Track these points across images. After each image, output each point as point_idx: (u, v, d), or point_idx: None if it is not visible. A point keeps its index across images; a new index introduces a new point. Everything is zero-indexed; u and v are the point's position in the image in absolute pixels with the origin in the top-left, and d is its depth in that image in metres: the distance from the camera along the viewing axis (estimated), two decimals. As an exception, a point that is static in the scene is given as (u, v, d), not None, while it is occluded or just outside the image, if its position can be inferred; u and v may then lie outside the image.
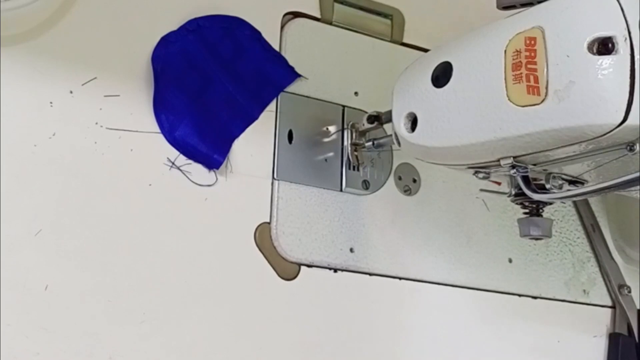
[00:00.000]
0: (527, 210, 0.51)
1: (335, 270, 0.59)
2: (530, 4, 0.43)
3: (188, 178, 0.55)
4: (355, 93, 0.65)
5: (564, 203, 0.73)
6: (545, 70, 0.40)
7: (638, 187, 0.45)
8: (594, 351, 0.70)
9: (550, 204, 0.53)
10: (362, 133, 0.62)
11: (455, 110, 0.45)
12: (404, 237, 0.63)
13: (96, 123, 0.53)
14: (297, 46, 0.63)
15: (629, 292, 0.71)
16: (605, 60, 0.38)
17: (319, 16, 0.65)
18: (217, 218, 0.56)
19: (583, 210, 0.73)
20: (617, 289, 0.71)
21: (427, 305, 0.63)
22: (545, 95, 0.40)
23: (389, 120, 0.53)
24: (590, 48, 0.39)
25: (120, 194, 0.53)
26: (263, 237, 0.57)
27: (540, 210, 0.50)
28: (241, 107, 0.59)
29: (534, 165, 0.45)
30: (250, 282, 0.55)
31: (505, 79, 0.42)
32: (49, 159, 0.51)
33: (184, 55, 0.58)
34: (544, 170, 0.47)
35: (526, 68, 0.41)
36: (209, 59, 0.59)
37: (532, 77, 0.41)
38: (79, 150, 0.52)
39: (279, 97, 0.61)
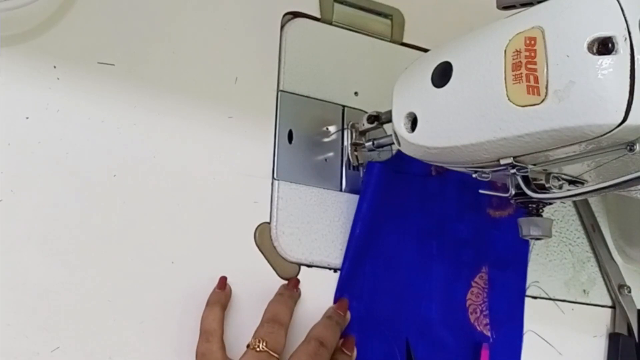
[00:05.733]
0: (527, 210, 0.51)
1: (335, 270, 0.59)
2: (530, 4, 0.43)
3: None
4: (355, 93, 0.65)
5: (564, 203, 0.73)
6: (545, 70, 0.40)
7: (638, 187, 0.45)
8: (594, 351, 0.69)
9: (550, 204, 0.53)
10: (362, 133, 0.62)
11: (455, 110, 0.45)
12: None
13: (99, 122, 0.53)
14: (297, 46, 0.63)
15: (629, 292, 0.71)
16: (605, 60, 0.38)
17: (319, 16, 0.65)
18: (216, 218, 0.56)
19: (583, 210, 0.73)
20: (617, 289, 0.71)
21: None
22: (545, 95, 0.40)
23: (389, 120, 0.53)
24: (590, 48, 0.39)
25: (120, 193, 0.53)
26: (263, 237, 0.57)
27: (540, 210, 0.50)
28: None
29: (534, 165, 0.45)
30: (250, 282, 0.55)
31: (505, 79, 0.42)
32: (49, 159, 0.51)
33: None
34: (544, 170, 0.47)
35: (526, 68, 0.41)
36: None
37: (532, 77, 0.41)
38: (79, 150, 0.52)
39: (279, 97, 0.61)
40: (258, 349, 0.49)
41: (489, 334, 0.63)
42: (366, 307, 0.58)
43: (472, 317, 0.62)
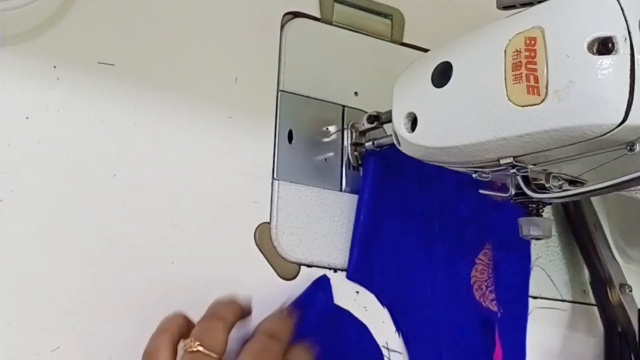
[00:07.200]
0: (527, 210, 0.51)
1: (335, 270, 0.59)
2: (530, 4, 0.43)
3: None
4: (355, 93, 0.65)
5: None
6: (545, 70, 0.40)
7: (638, 187, 0.45)
8: (594, 351, 0.69)
9: (550, 204, 0.53)
10: (362, 133, 0.62)
11: (455, 110, 0.46)
12: (404, 237, 0.63)
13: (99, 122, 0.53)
14: (297, 46, 0.63)
15: (630, 291, 0.71)
16: (605, 60, 0.38)
17: (319, 16, 0.65)
18: (216, 218, 0.56)
19: (586, 209, 0.73)
20: (617, 289, 0.71)
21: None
22: (545, 95, 0.40)
23: (389, 120, 0.53)
24: (590, 48, 0.39)
25: (120, 193, 0.53)
26: (263, 237, 0.57)
27: (540, 210, 0.50)
28: None
29: (534, 165, 0.45)
30: (250, 282, 0.55)
31: (505, 79, 0.42)
32: (49, 159, 0.51)
33: None
34: (544, 170, 0.47)
35: (526, 68, 0.41)
36: None
37: (532, 77, 0.41)
38: (79, 150, 0.52)
39: (279, 97, 0.61)
40: None
41: (495, 309, 0.63)
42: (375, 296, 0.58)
43: (477, 294, 0.63)
